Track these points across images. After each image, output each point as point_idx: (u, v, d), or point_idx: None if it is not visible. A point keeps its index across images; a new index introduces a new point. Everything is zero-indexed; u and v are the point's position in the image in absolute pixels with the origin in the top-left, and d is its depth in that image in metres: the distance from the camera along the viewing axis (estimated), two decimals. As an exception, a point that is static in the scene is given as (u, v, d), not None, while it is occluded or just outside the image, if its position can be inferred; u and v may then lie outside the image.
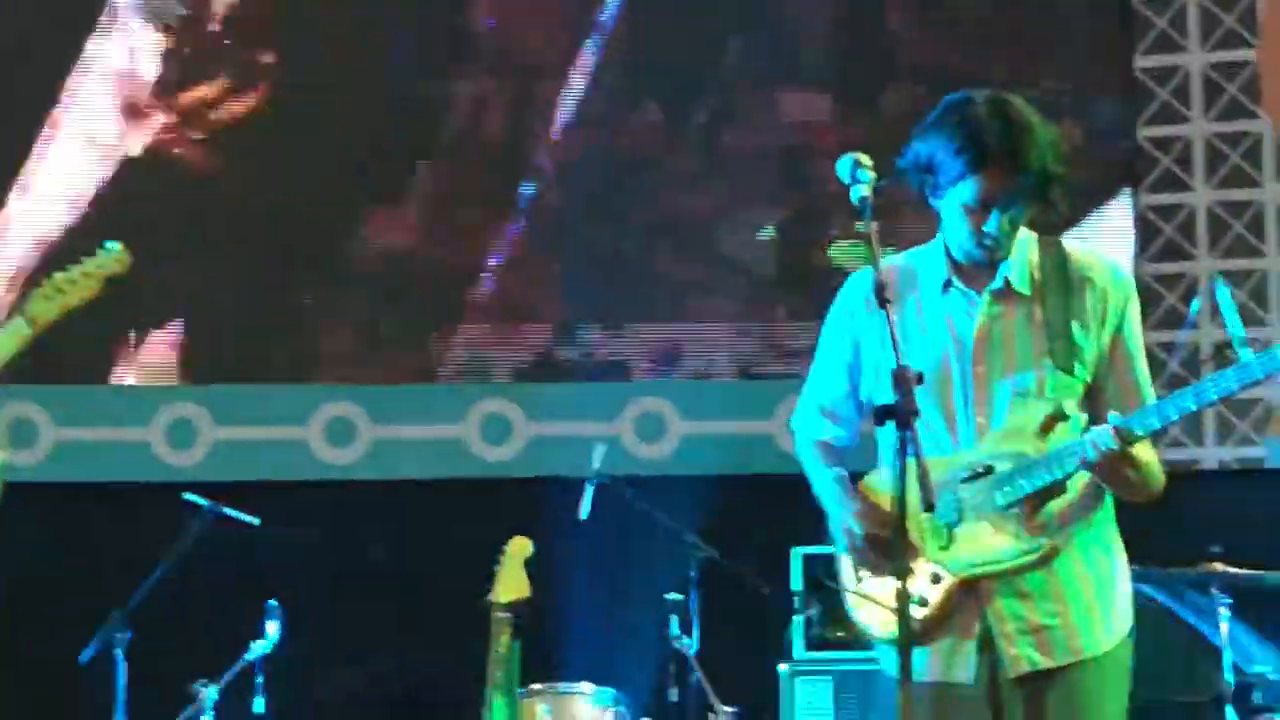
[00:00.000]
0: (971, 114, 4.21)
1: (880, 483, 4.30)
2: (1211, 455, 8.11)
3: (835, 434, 4.50)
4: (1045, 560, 4.20)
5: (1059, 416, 4.22)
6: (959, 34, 8.24)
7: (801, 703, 6.87)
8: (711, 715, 6.52)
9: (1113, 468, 4.13)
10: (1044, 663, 4.21)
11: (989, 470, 4.21)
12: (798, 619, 6.92)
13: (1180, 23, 8.23)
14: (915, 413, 3.82)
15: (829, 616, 4.45)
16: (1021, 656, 4.22)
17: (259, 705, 6.69)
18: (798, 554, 6.82)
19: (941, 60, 8.14)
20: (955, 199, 4.23)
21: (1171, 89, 8.24)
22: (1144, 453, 4.17)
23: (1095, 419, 4.25)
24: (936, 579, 4.23)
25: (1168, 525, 6.88)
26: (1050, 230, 4.41)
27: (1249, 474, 8.06)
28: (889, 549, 4.09)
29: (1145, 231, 8.23)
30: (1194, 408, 4.19)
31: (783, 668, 6.94)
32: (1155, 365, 8.07)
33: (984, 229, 4.23)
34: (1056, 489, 4.20)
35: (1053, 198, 4.26)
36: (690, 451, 8.13)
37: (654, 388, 8.19)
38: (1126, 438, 4.11)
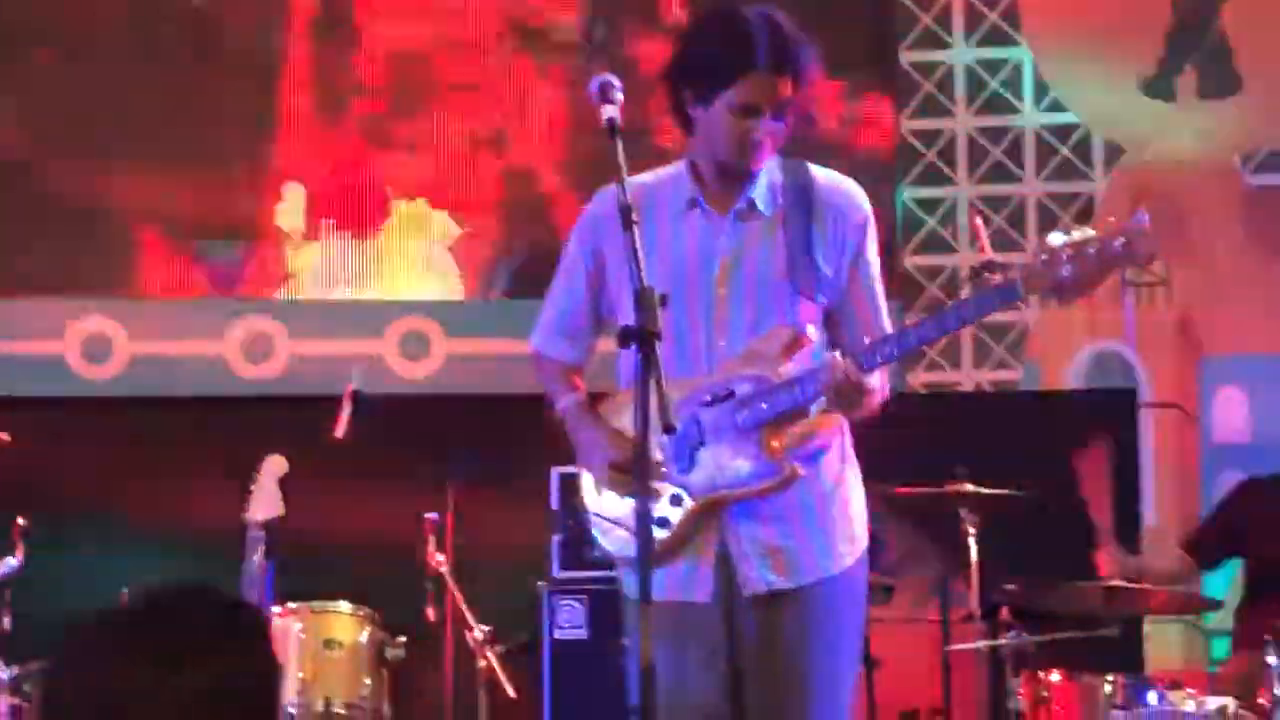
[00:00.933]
0: (744, 19, 4.25)
1: (621, 404, 4.31)
2: (969, 378, 8.23)
3: (573, 354, 4.51)
4: (786, 483, 4.24)
5: (800, 340, 4.26)
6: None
7: (558, 620, 6.93)
8: (468, 633, 6.53)
9: (848, 395, 4.18)
10: (779, 583, 4.26)
11: (730, 394, 4.24)
12: (555, 538, 6.96)
13: (944, -51, 8.33)
14: (657, 334, 3.82)
15: (585, 536, 4.45)
16: (758, 577, 4.26)
17: (5, 623, 6.60)
18: (556, 474, 6.85)
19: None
20: (723, 104, 4.25)
21: (933, 15, 8.33)
22: (874, 379, 4.23)
23: (834, 344, 4.31)
24: (677, 501, 4.26)
25: (922, 445, 7.02)
26: (801, 154, 4.46)
27: (1005, 396, 8.19)
28: (631, 471, 4.12)
29: (907, 157, 8.31)
30: (935, 337, 4.25)
31: (540, 585, 7.00)
32: (915, 289, 8.20)
33: (749, 135, 4.25)
34: (797, 412, 4.24)
35: (813, 113, 4.32)
36: (454, 370, 8.12)
37: (418, 306, 8.15)
38: (864, 365, 4.15)
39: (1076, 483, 7.08)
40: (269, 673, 2.53)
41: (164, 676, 2.44)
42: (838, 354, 4.18)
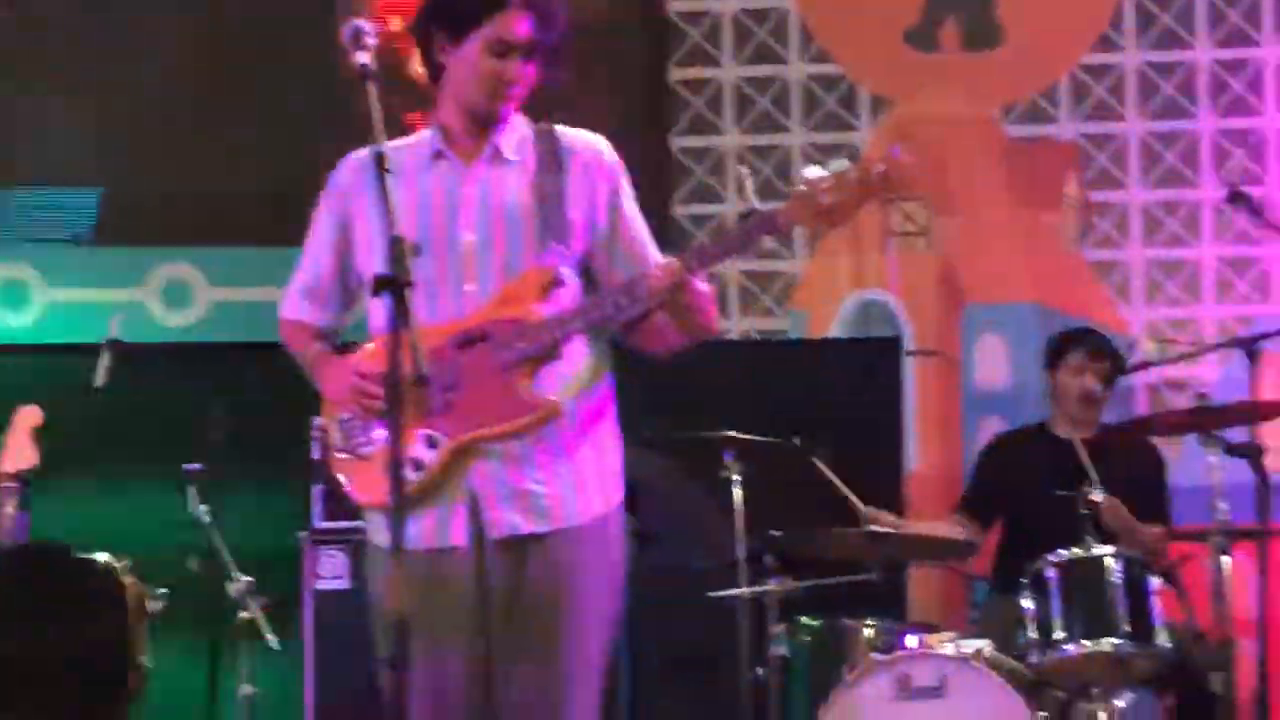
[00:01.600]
0: None
1: (373, 353, 4.29)
2: (736, 326, 8.29)
3: (323, 318, 4.50)
4: (543, 420, 4.25)
5: (554, 281, 4.28)
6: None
7: (319, 570, 6.90)
8: (230, 584, 6.47)
9: (683, 297, 4.21)
10: (525, 527, 4.27)
11: (484, 336, 4.24)
12: (316, 488, 6.93)
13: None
14: (409, 283, 3.83)
15: (335, 480, 4.45)
16: (504, 521, 4.27)
17: None
18: (318, 423, 6.78)
19: None
20: (474, 43, 4.29)
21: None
22: (702, 285, 4.27)
23: (594, 287, 4.35)
24: (432, 443, 4.26)
25: (687, 393, 7.06)
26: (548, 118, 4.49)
27: (770, 344, 8.26)
28: (383, 419, 4.10)
29: (674, 107, 8.33)
30: (723, 256, 4.32)
31: (301, 536, 6.95)
32: (685, 237, 8.23)
33: (501, 74, 4.29)
34: (553, 353, 4.25)
35: (566, 63, 4.34)
36: (219, 319, 8.01)
37: (181, 254, 8.03)
38: (690, 266, 4.21)
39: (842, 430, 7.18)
40: (121, 640, 2.49)
41: (15, 644, 2.38)
42: (659, 262, 4.27)
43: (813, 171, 4.16)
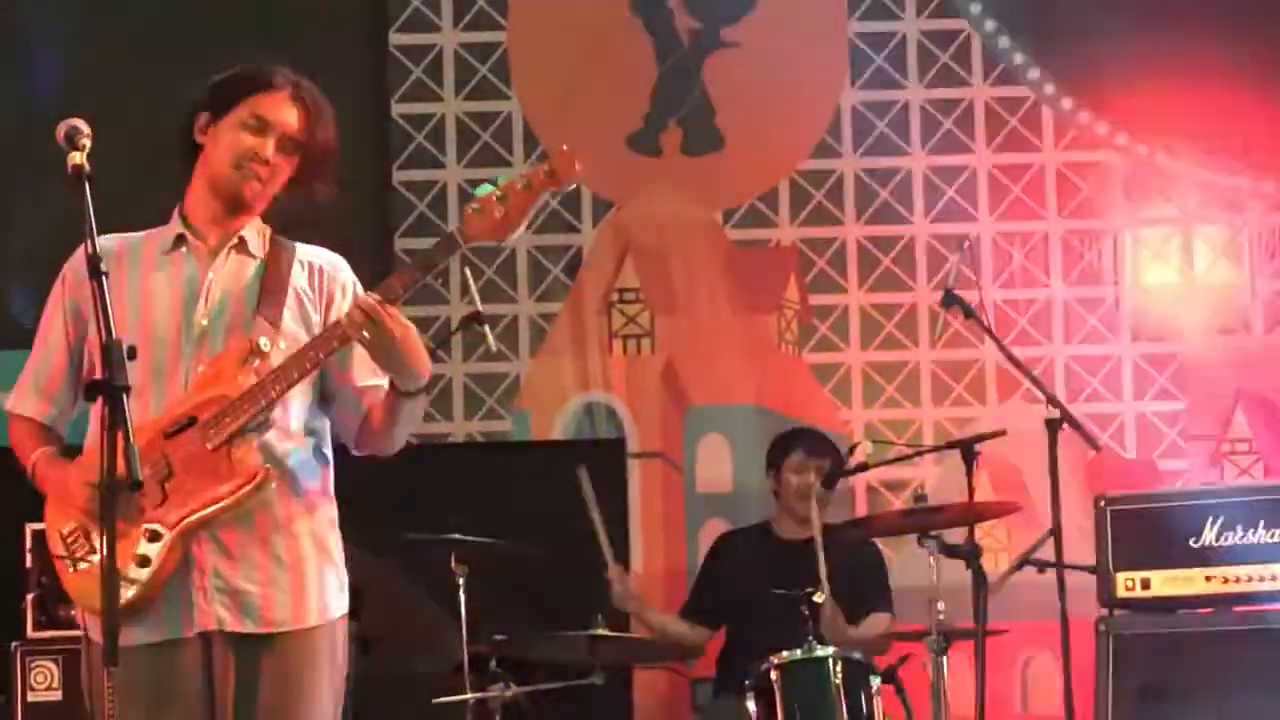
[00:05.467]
0: (265, 60, 4.40)
1: (92, 460, 4.21)
2: (461, 429, 8.26)
3: (50, 412, 4.44)
4: (254, 490, 4.21)
5: (253, 350, 4.26)
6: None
7: (31, 682, 6.75)
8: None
9: (383, 332, 4.19)
10: (233, 625, 4.24)
11: (192, 420, 4.21)
12: (29, 596, 6.78)
13: (435, 2, 8.36)
14: (125, 387, 3.79)
15: (61, 593, 4.37)
16: (211, 614, 4.23)
17: None
18: (31, 530, 6.68)
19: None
20: (233, 120, 4.32)
21: (423, 68, 8.35)
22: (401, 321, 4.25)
23: (325, 394, 4.34)
24: (155, 536, 4.20)
25: (414, 496, 7.02)
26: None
27: (494, 446, 8.24)
28: (99, 522, 4.04)
29: (398, 204, 8.31)
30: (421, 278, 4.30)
31: (14, 646, 6.79)
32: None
33: (255, 150, 4.30)
34: (263, 423, 4.24)
35: (321, 167, 4.36)
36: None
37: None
38: (384, 296, 4.21)
39: (571, 530, 7.18)
40: None
41: None
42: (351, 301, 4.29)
43: (483, 189, 4.25)
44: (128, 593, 4.11)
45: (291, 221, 4.53)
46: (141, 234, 4.41)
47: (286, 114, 4.34)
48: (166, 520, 4.20)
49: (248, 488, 4.22)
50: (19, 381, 4.45)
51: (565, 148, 4.31)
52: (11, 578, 6.74)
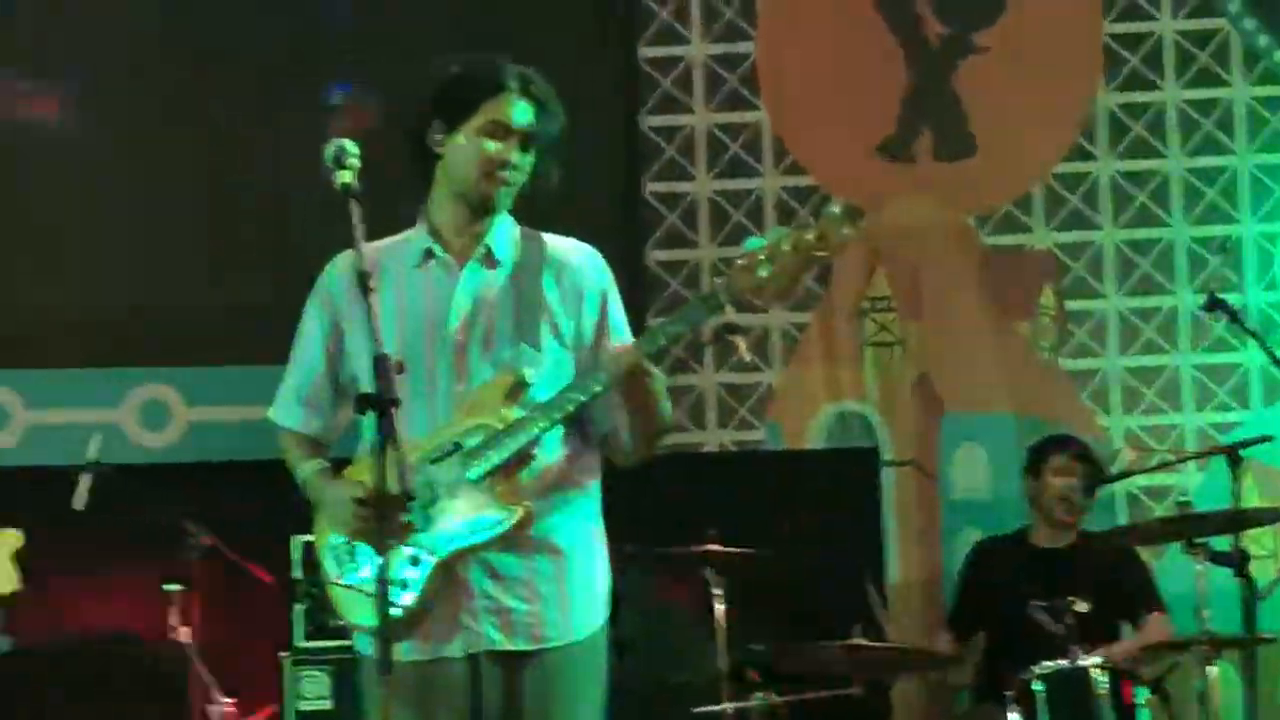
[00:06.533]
0: (491, 56, 4.40)
1: (362, 471, 4.27)
2: (714, 439, 8.27)
3: (314, 423, 4.48)
4: (520, 526, 4.23)
5: (519, 385, 4.27)
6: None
7: (302, 691, 6.85)
8: (211, 706, 6.42)
9: (637, 383, 4.20)
10: (505, 644, 4.26)
11: (457, 447, 4.24)
12: (298, 607, 6.89)
13: (684, 15, 8.39)
14: (395, 402, 3.83)
15: (326, 605, 4.43)
16: (483, 634, 4.26)
17: None
18: (298, 541, 6.78)
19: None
20: (470, 128, 4.32)
21: (672, 80, 8.38)
22: (656, 371, 4.27)
23: (585, 410, 4.35)
24: (416, 561, 4.24)
25: (669, 507, 7.05)
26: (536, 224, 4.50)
27: (747, 456, 8.24)
28: (371, 539, 4.09)
29: (649, 219, 8.34)
30: (682, 330, 4.26)
31: (283, 656, 6.91)
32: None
33: (496, 156, 4.31)
34: (526, 456, 4.24)
35: (556, 154, 4.38)
36: (196, 438, 7.97)
37: (157, 374, 8.00)
38: (646, 350, 4.21)
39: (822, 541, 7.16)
40: None
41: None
42: (618, 344, 4.28)
43: (752, 243, 4.17)
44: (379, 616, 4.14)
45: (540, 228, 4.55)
46: (386, 243, 4.40)
47: (523, 114, 4.34)
48: (430, 547, 4.24)
49: (510, 523, 4.23)
50: (279, 393, 4.51)
51: (836, 209, 4.15)
52: (280, 589, 6.86)
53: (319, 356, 4.44)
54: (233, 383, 7.97)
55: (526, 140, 4.34)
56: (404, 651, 4.15)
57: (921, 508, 8.12)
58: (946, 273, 8.23)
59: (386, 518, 3.88)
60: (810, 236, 4.11)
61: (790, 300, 4.21)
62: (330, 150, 4.10)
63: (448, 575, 4.24)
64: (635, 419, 4.31)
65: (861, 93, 8.28)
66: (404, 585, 4.21)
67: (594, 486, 4.42)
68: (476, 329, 4.33)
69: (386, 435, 3.81)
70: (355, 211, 3.99)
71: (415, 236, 4.42)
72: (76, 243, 7.92)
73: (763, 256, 4.12)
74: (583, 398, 4.23)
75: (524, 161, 4.35)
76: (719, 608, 6.60)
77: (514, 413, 4.24)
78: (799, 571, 6.76)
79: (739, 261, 4.17)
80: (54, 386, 7.91)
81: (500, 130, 4.32)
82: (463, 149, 4.34)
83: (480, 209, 4.36)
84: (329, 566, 4.36)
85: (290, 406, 4.50)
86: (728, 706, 6.53)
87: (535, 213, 4.50)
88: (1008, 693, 6.34)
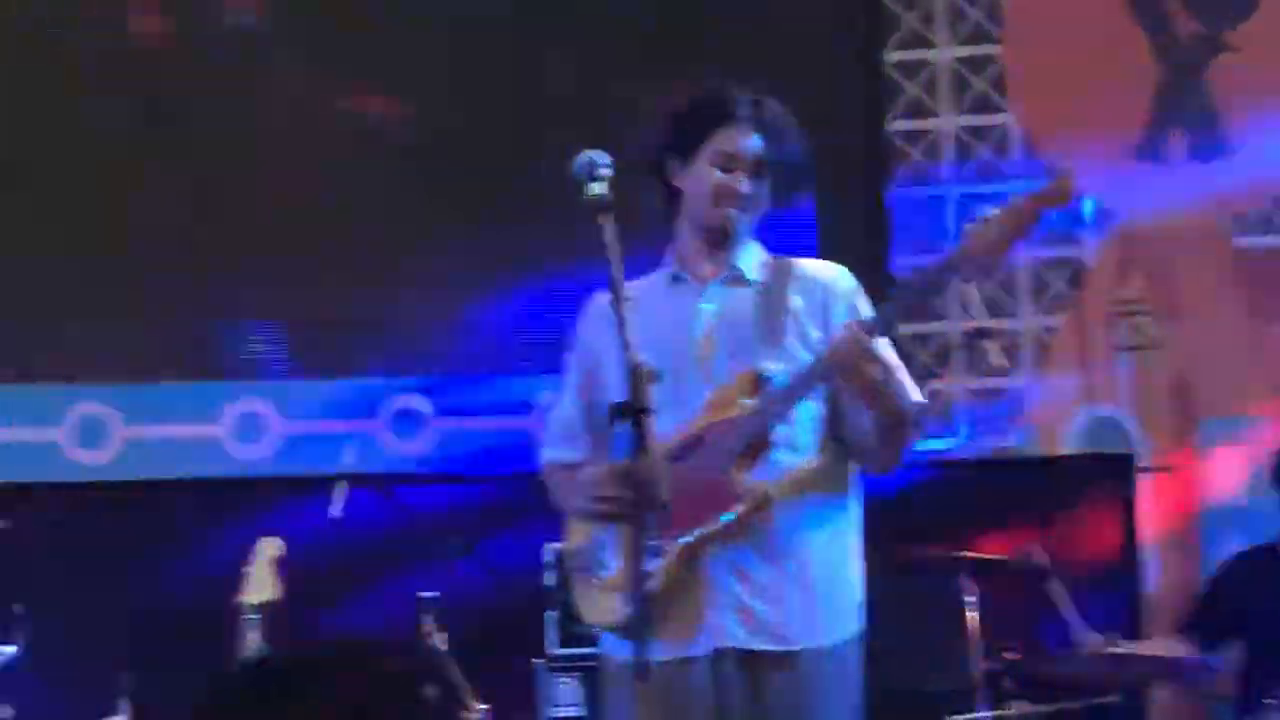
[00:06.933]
0: (724, 84, 4.44)
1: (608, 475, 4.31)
2: (965, 445, 8.20)
3: (579, 452, 4.58)
4: (754, 510, 4.24)
5: (758, 379, 4.28)
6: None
7: (555, 698, 6.90)
8: (465, 713, 6.48)
9: (856, 365, 4.17)
10: (748, 642, 4.26)
11: (698, 440, 4.26)
12: (550, 614, 6.94)
13: (929, 19, 8.34)
14: (648, 410, 3.86)
15: (575, 609, 4.49)
16: (726, 630, 4.26)
17: (5, 712, 6.57)
18: (551, 550, 6.83)
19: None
20: (703, 159, 4.36)
21: (920, 84, 8.34)
22: (887, 355, 4.23)
23: (835, 411, 4.34)
24: (658, 554, 4.26)
25: (922, 514, 7.01)
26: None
27: (1000, 462, 8.16)
28: (625, 542, 4.12)
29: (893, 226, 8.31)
30: (910, 300, 4.44)
31: (536, 663, 6.96)
32: (903, 357, 8.14)
33: (728, 186, 4.34)
34: (761, 445, 4.28)
35: (794, 179, 4.38)
36: (448, 447, 8.07)
37: (411, 384, 8.11)
38: (869, 329, 4.19)
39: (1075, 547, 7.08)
40: None
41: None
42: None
43: (982, 211, 4.19)
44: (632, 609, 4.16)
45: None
46: (636, 280, 4.44)
47: (751, 144, 4.37)
48: (669, 538, 4.27)
49: (748, 509, 4.24)
50: (548, 436, 4.69)
51: (1066, 169, 4.27)
52: (533, 596, 6.92)
53: (578, 398, 4.59)
54: (483, 393, 8.05)
55: (758, 169, 4.36)
56: (648, 651, 4.16)
57: (1178, 515, 7.98)
58: (1201, 274, 8.09)
59: (640, 522, 3.91)
60: (1042, 191, 4.17)
61: (1002, 254, 4.19)
62: (580, 162, 4.12)
63: (689, 567, 4.27)
64: (869, 406, 4.28)
65: (1112, 92, 8.17)
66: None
67: (850, 497, 4.42)
68: (722, 337, 4.37)
69: (640, 442, 3.83)
70: (606, 224, 4.00)
71: (661, 269, 4.52)
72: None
73: (993, 216, 4.15)
74: (805, 380, 4.23)
75: (757, 190, 4.37)
76: (972, 614, 6.54)
77: (752, 404, 4.27)
78: (1053, 578, 6.67)
79: (972, 224, 4.19)
80: (310, 397, 8.04)
81: (730, 160, 4.36)
82: (695, 181, 4.40)
83: (717, 239, 4.40)
84: (576, 564, 4.41)
85: (557, 446, 4.65)
86: (983, 715, 6.47)
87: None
88: (1269, 700, 6.22)
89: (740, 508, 4.25)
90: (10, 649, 6.55)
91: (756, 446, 4.28)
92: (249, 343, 8.02)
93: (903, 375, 4.34)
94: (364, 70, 8.12)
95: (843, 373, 4.19)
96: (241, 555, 6.16)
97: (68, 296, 7.82)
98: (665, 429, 4.18)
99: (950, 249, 4.23)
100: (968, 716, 6.49)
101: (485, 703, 6.48)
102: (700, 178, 4.38)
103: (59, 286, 7.81)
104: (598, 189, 4.05)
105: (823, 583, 4.34)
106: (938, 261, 4.25)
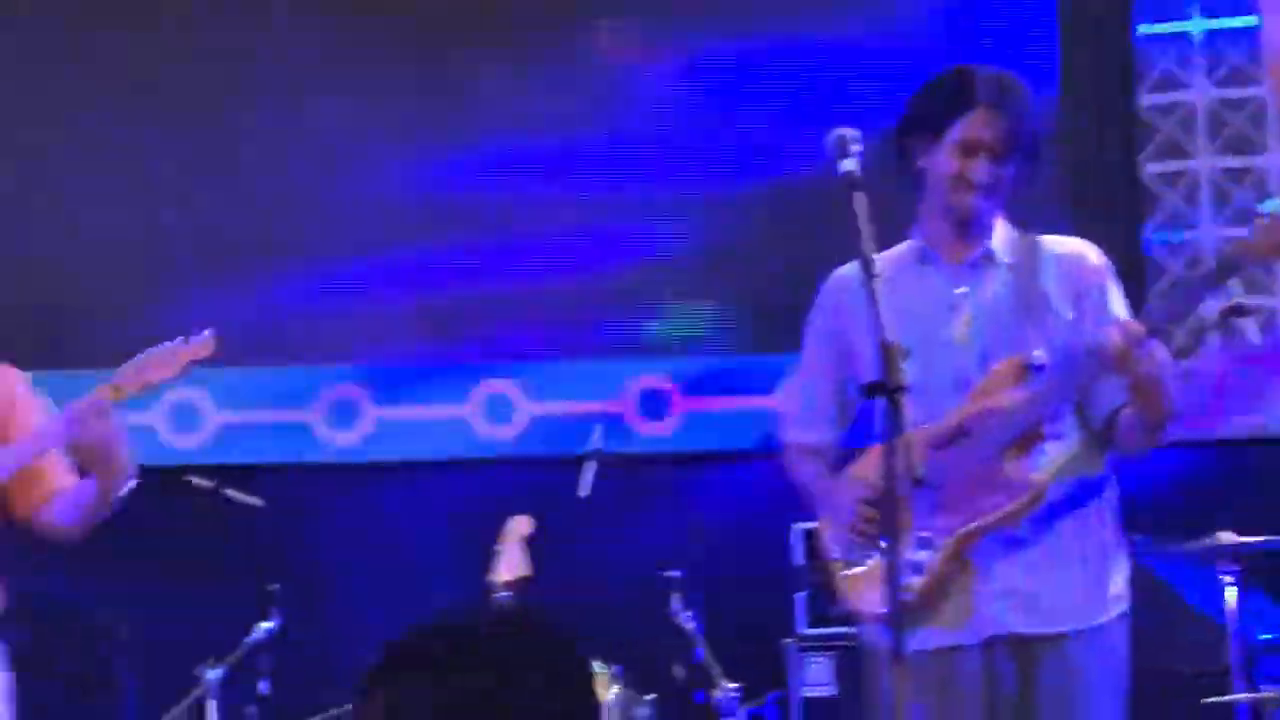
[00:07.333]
0: (965, 67, 4.39)
1: (871, 459, 4.28)
2: (1228, 426, 8.04)
3: (825, 435, 4.52)
4: (1031, 504, 4.19)
5: (1025, 369, 4.23)
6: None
7: (805, 678, 6.89)
8: (715, 691, 6.50)
9: (1127, 361, 4.10)
10: (1021, 627, 4.22)
11: (964, 431, 4.22)
12: (799, 594, 6.93)
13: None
14: (902, 387, 3.82)
15: (830, 592, 4.47)
16: (998, 618, 4.22)
17: (264, 687, 6.70)
18: (799, 530, 6.82)
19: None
20: (946, 145, 4.32)
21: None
22: (1158, 351, 4.17)
23: (1087, 397, 4.29)
24: (926, 544, 4.23)
25: (1179, 495, 6.90)
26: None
27: (1260, 442, 8.01)
28: (881, 524, 4.09)
29: (1147, 200, 8.17)
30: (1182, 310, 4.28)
31: (786, 643, 6.95)
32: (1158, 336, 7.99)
33: (968, 173, 4.29)
34: (1035, 434, 4.22)
35: (1037, 161, 4.34)
36: (692, 428, 8.08)
37: (655, 365, 8.12)
38: (1132, 330, 4.12)
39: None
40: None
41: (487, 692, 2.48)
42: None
43: (1270, 204, 4.08)
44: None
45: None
46: (880, 254, 4.32)
47: (992, 130, 4.31)
48: (940, 529, 4.24)
49: (1023, 502, 4.20)
50: (789, 415, 4.62)
51: None
52: (782, 576, 6.91)
53: (821, 372, 4.53)
54: (725, 374, 8.05)
55: (1000, 153, 4.31)
56: (919, 640, 4.11)
57: None
58: None
59: (891, 516, 3.87)
60: None
61: None
62: (831, 139, 4.09)
63: (959, 558, 4.23)
64: (1136, 402, 4.22)
65: None
66: (915, 569, 4.22)
67: (1105, 477, 4.36)
68: (979, 327, 4.34)
69: (894, 421, 3.79)
70: (859, 200, 3.96)
71: (909, 246, 4.47)
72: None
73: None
74: (1079, 375, 4.17)
75: (1000, 173, 4.32)
76: (1230, 596, 6.42)
77: (1021, 393, 4.21)
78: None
79: (1259, 220, 4.07)
80: (556, 379, 8.08)
81: (971, 146, 4.31)
82: (938, 165, 4.37)
83: (961, 225, 4.38)
84: (835, 551, 4.39)
85: (798, 427, 4.59)
86: (1240, 698, 6.35)
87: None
88: None
89: (1019, 500, 4.20)
90: (268, 624, 6.68)
91: (1029, 437, 4.23)
92: (496, 326, 8.09)
93: (1171, 375, 4.26)
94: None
95: (1119, 370, 4.13)
96: (493, 535, 6.22)
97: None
98: (916, 410, 4.12)
99: (1232, 247, 4.13)
100: (1223, 698, 6.38)
101: (735, 681, 6.50)
102: (942, 162, 4.35)
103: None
104: (849, 165, 4.02)
105: (1089, 564, 4.30)
106: (1220, 262, 4.17)
